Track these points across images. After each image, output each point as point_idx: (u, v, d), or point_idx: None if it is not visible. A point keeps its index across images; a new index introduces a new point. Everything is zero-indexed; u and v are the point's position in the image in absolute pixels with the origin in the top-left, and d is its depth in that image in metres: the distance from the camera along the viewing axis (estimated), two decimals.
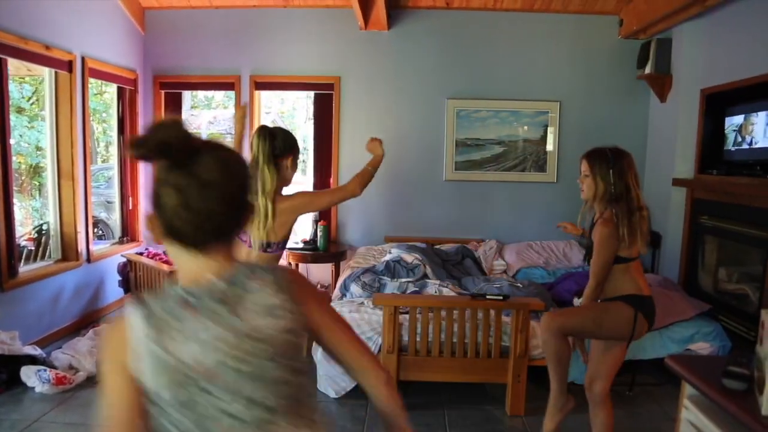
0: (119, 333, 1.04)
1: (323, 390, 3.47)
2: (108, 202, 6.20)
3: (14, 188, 3.81)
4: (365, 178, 2.56)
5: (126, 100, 5.17)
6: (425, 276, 4.16)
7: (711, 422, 1.66)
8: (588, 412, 2.59)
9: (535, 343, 3.33)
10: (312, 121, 5.71)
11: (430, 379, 3.37)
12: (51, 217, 4.35)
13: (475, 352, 3.30)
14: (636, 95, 5.27)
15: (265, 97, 5.87)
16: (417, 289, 3.81)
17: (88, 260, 4.54)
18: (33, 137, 5.17)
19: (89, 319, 4.54)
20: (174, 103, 5.56)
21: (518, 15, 5.25)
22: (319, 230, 5.06)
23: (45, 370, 3.42)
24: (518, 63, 5.31)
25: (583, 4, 5.08)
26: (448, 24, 5.28)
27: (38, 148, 4.95)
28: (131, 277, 4.68)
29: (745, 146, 4.00)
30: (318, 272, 5.46)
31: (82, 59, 4.40)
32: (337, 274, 5.08)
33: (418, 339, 3.30)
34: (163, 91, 5.46)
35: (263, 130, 2.38)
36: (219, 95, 8.78)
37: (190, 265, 1.10)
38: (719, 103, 4.34)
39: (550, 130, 5.36)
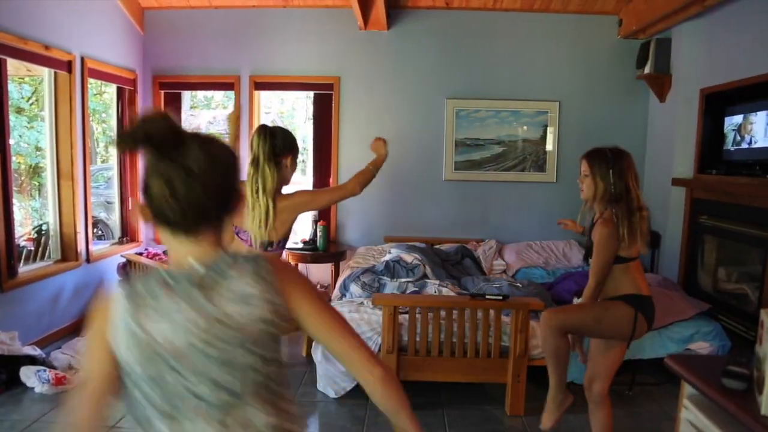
0: (104, 306, 1.11)
1: (323, 390, 3.47)
2: (107, 203, 6.20)
3: (14, 188, 3.81)
4: (366, 177, 2.57)
5: (125, 101, 5.16)
6: (425, 276, 4.16)
7: (710, 422, 1.66)
8: (587, 412, 2.59)
9: (534, 343, 3.33)
10: (312, 122, 5.71)
11: (429, 379, 3.36)
12: (50, 218, 4.35)
13: (474, 352, 3.30)
14: (635, 95, 5.27)
15: (264, 97, 5.87)
16: (416, 289, 3.81)
17: (88, 260, 4.54)
18: (32, 137, 5.17)
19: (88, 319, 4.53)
20: (173, 103, 5.56)
21: (518, 15, 5.25)
22: (318, 230, 5.06)
23: (44, 371, 3.42)
24: (518, 63, 5.32)
25: (582, 4, 5.08)
26: (448, 24, 5.28)
27: (38, 149, 4.95)
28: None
29: (744, 146, 4.00)
30: (317, 272, 5.46)
31: (82, 59, 4.40)
32: (336, 274, 5.08)
33: (417, 339, 3.30)
34: (162, 92, 5.46)
35: (263, 129, 2.39)
36: (218, 95, 8.76)
37: (176, 249, 1.15)
38: (718, 102, 4.34)
39: (549, 130, 5.37)
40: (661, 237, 4.88)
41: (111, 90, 5.30)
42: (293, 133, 2.52)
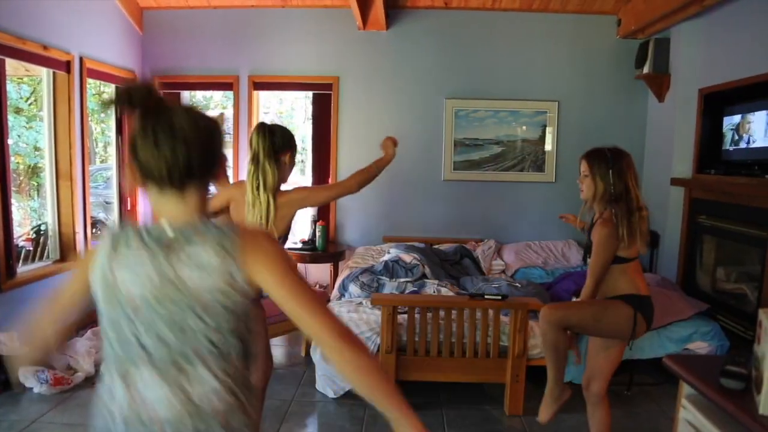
0: (96, 246, 1.22)
1: (322, 390, 3.47)
2: (106, 203, 6.19)
3: (12, 189, 3.81)
4: (365, 176, 2.56)
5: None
6: (424, 276, 4.16)
7: (709, 421, 1.66)
8: (586, 412, 2.59)
9: (533, 342, 3.34)
10: (311, 122, 5.71)
11: (428, 379, 3.37)
12: (49, 218, 4.34)
13: (473, 352, 3.30)
14: (634, 95, 5.28)
15: (263, 97, 5.87)
16: (415, 288, 3.81)
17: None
18: (31, 137, 5.17)
19: (87, 319, 4.53)
20: None
21: (517, 15, 5.25)
22: (317, 230, 5.06)
23: (43, 371, 3.41)
24: (517, 63, 5.32)
25: (581, 3, 5.08)
26: (447, 24, 5.28)
27: (36, 149, 4.94)
28: None
29: (743, 145, 4.01)
30: (316, 272, 5.46)
31: (80, 59, 4.39)
32: (335, 274, 5.08)
33: (416, 339, 3.30)
34: (161, 92, 5.44)
35: (262, 127, 2.42)
36: (217, 95, 8.76)
37: (159, 207, 1.22)
38: (717, 102, 4.35)
39: (548, 129, 5.37)
40: (660, 237, 4.89)
41: (110, 90, 5.30)
42: (291, 132, 2.54)
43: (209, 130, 1.23)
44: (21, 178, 5.17)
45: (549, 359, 2.48)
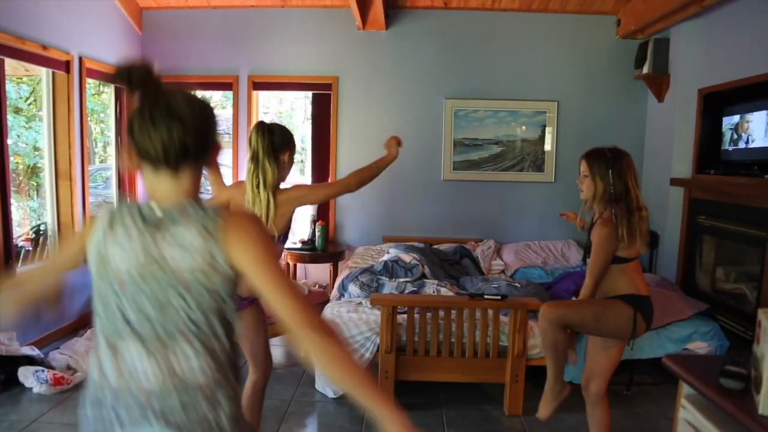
0: (95, 219, 1.28)
1: (321, 390, 3.47)
2: (106, 203, 6.19)
3: (12, 189, 3.81)
4: (364, 175, 2.56)
5: (124, 101, 5.16)
6: (423, 276, 4.16)
7: (708, 421, 1.66)
8: (585, 412, 2.59)
9: (532, 342, 3.34)
10: (310, 122, 5.71)
11: (428, 379, 3.37)
12: (49, 218, 4.34)
13: (473, 352, 3.30)
14: (634, 95, 5.28)
15: (263, 97, 5.86)
16: (415, 288, 3.81)
17: (86, 261, 4.53)
18: (30, 137, 5.16)
19: (87, 319, 4.53)
20: None
21: (516, 15, 5.25)
22: (317, 230, 5.06)
23: (43, 371, 3.41)
24: (516, 63, 5.32)
25: (581, 4, 5.08)
26: (446, 24, 5.28)
27: (36, 149, 4.94)
28: None
29: (742, 145, 4.01)
30: (316, 272, 5.46)
31: (80, 59, 4.39)
32: (335, 274, 5.08)
33: (416, 339, 3.30)
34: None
35: (261, 125, 2.42)
36: (217, 95, 8.75)
37: (153, 188, 1.26)
38: (717, 102, 4.35)
39: (548, 130, 5.37)
40: (660, 237, 4.89)
41: (109, 90, 5.29)
42: (290, 131, 2.54)
43: (205, 114, 1.27)
44: (20, 178, 5.16)
45: (548, 357, 2.48)
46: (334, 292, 4.12)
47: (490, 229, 5.42)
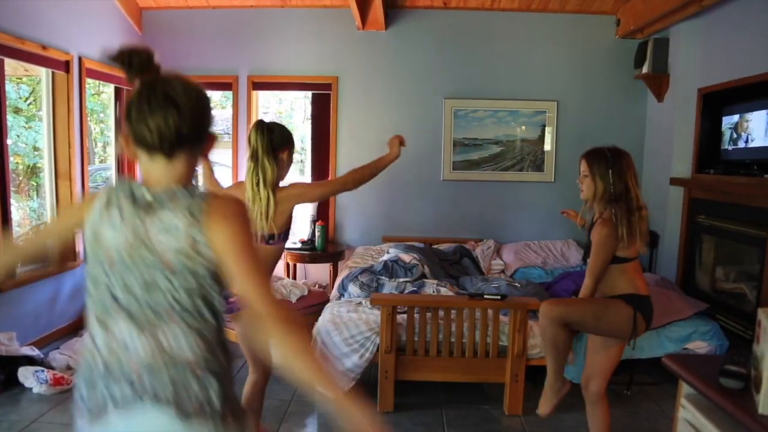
0: (94, 196, 1.30)
1: (321, 390, 3.46)
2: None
3: (11, 189, 3.81)
4: (362, 173, 2.56)
5: (123, 101, 5.16)
6: (423, 276, 4.16)
7: (708, 421, 1.66)
8: (585, 411, 2.60)
9: (532, 342, 3.34)
10: (310, 122, 5.71)
11: (428, 379, 3.37)
12: (48, 218, 4.34)
13: (473, 351, 3.30)
14: (633, 95, 5.28)
15: (262, 97, 5.86)
16: (415, 288, 3.81)
17: (86, 261, 4.53)
18: (30, 138, 5.15)
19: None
20: None
21: (516, 15, 5.25)
22: (317, 230, 5.06)
23: (43, 371, 3.41)
24: (516, 63, 5.32)
25: (580, 3, 5.08)
26: (446, 24, 5.28)
27: (35, 149, 4.93)
28: None
29: (741, 145, 4.01)
30: (316, 272, 5.46)
31: (80, 59, 4.39)
32: (335, 274, 5.08)
33: (416, 339, 3.30)
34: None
35: (260, 124, 2.43)
36: (217, 95, 8.74)
37: (147, 173, 1.28)
38: (716, 102, 4.35)
39: (547, 129, 5.37)
40: (659, 237, 4.89)
41: (109, 90, 5.29)
42: (289, 130, 2.55)
43: (202, 103, 1.29)
44: (20, 178, 5.16)
45: (548, 354, 2.48)
46: (334, 292, 4.12)
47: (490, 229, 5.42)
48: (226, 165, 5.49)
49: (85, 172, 4.53)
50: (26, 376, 3.41)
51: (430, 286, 3.84)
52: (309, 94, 5.66)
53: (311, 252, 5.03)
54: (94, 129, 6.37)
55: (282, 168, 2.46)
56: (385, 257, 4.46)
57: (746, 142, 3.95)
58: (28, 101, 5.41)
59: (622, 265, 2.38)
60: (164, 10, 5.29)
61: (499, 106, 5.33)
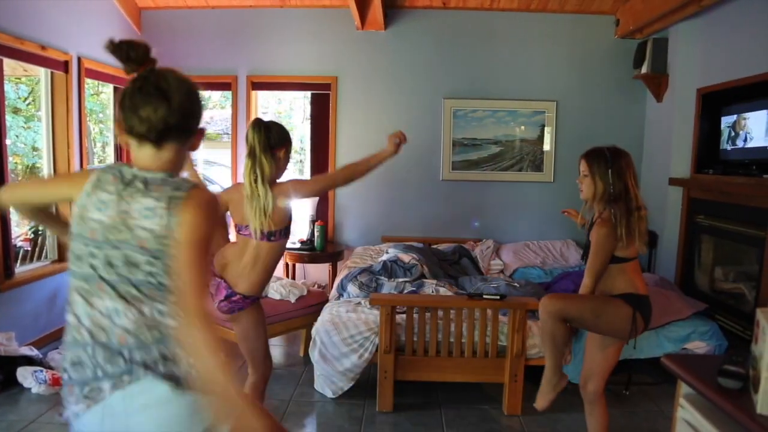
0: (88, 174, 1.36)
1: (320, 390, 3.47)
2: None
3: None
4: (353, 170, 2.56)
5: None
6: (422, 276, 4.16)
7: (707, 421, 1.66)
8: (583, 411, 2.60)
9: (531, 342, 3.34)
10: (309, 121, 5.71)
11: (427, 379, 3.37)
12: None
13: (472, 351, 3.30)
14: (632, 95, 5.28)
15: (262, 97, 5.86)
16: (414, 288, 3.81)
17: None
18: (29, 138, 5.15)
19: None
20: None
21: (515, 15, 5.25)
22: (316, 230, 5.06)
23: (41, 371, 3.41)
24: (515, 63, 5.32)
25: (579, 3, 5.09)
26: (445, 24, 5.28)
27: (34, 149, 4.94)
28: None
29: (740, 144, 4.01)
30: (315, 272, 5.46)
31: (79, 59, 4.39)
32: (334, 274, 5.08)
33: (415, 339, 3.30)
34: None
35: (258, 122, 2.44)
36: (216, 95, 8.76)
37: (136, 159, 1.35)
38: (715, 102, 4.35)
39: (547, 129, 5.37)
40: (659, 237, 4.89)
41: (108, 90, 5.29)
42: (287, 129, 2.56)
43: (192, 97, 1.36)
44: (19, 179, 5.16)
45: (547, 348, 2.47)
46: (333, 292, 4.12)
47: (489, 229, 5.42)
48: (225, 165, 5.49)
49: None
50: (25, 376, 3.41)
51: (429, 286, 3.85)
52: (308, 94, 5.66)
53: (310, 252, 5.03)
54: (93, 129, 6.37)
55: (279, 166, 2.47)
56: (384, 257, 4.46)
57: (744, 141, 3.95)
58: (27, 101, 5.41)
59: (621, 264, 2.38)
60: (163, 10, 5.29)
61: (498, 106, 5.33)
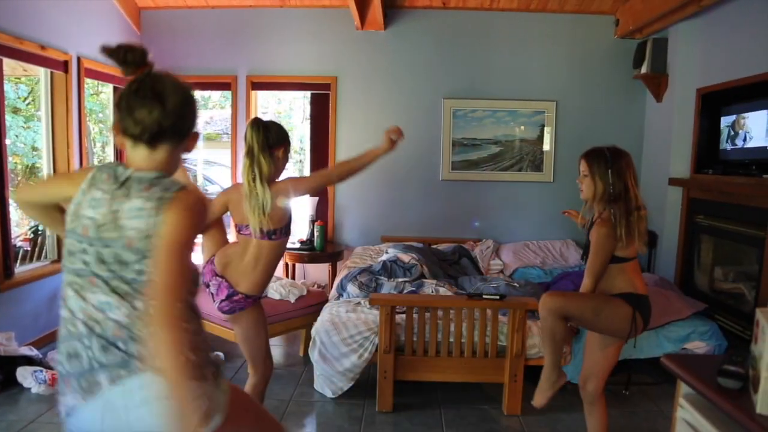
0: (85, 173, 1.40)
1: (320, 390, 3.47)
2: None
3: (10, 189, 3.80)
4: (349, 167, 2.56)
5: None
6: (422, 276, 4.16)
7: (707, 421, 1.66)
8: (583, 411, 2.60)
9: (531, 342, 3.34)
10: (309, 121, 5.71)
11: (426, 379, 3.37)
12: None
13: (471, 351, 3.30)
14: (632, 95, 5.28)
15: (261, 97, 5.86)
16: (414, 288, 3.81)
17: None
18: (29, 138, 5.16)
19: None
20: None
21: (515, 15, 5.25)
22: (315, 230, 5.06)
23: (41, 371, 3.41)
24: (515, 63, 5.32)
25: (579, 3, 5.09)
26: (445, 24, 5.28)
27: (34, 149, 4.94)
28: None
29: (740, 144, 4.01)
30: (315, 272, 5.46)
31: (78, 59, 4.39)
32: (333, 274, 5.07)
33: (414, 339, 3.30)
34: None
35: (256, 122, 2.45)
36: (216, 95, 8.77)
37: (131, 160, 1.39)
38: (715, 102, 4.35)
39: (546, 129, 5.37)
40: (658, 237, 4.89)
41: (107, 90, 5.29)
42: (285, 129, 2.56)
43: (186, 101, 1.39)
44: (19, 179, 5.16)
45: (546, 345, 2.47)
46: (333, 292, 4.12)
47: (489, 229, 5.42)
48: (225, 165, 5.49)
49: None
50: (25, 376, 3.41)
51: (429, 286, 3.85)
52: (308, 94, 5.66)
53: (310, 252, 5.03)
54: (93, 129, 6.37)
55: (277, 165, 2.48)
56: (384, 257, 4.46)
57: (744, 140, 3.95)
58: (27, 101, 5.41)
59: (621, 264, 2.38)
60: (163, 9, 5.29)
61: (498, 106, 5.33)
